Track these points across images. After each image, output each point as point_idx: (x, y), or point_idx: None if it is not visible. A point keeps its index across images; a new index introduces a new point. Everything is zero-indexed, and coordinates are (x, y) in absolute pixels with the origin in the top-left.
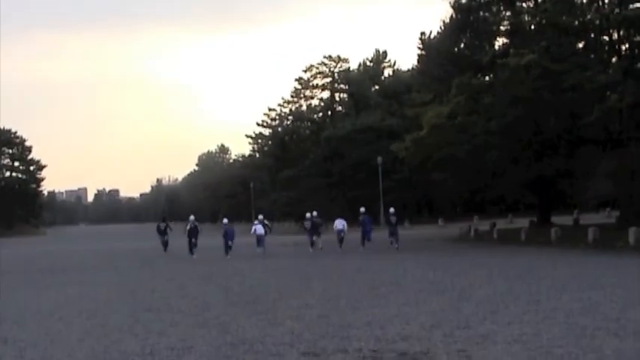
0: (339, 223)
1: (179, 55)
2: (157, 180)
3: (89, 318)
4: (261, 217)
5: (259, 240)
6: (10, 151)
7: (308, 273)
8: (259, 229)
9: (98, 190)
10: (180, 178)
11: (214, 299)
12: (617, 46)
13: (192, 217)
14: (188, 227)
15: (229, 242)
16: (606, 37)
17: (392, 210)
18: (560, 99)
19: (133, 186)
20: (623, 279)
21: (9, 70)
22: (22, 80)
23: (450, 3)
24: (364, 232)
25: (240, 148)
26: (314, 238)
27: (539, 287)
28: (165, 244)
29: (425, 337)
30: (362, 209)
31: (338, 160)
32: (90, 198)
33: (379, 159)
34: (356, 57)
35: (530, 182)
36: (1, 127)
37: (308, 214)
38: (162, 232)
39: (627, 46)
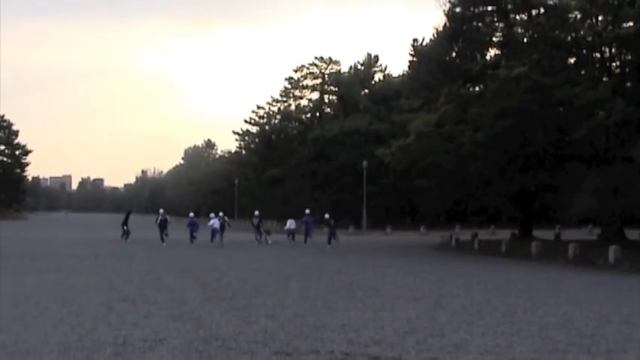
0: (290, 223)
1: (170, 49)
2: (142, 171)
3: (65, 305)
4: (221, 214)
5: (214, 232)
6: None
7: (287, 271)
8: (215, 223)
9: (82, 179)
10: (165, 171)
11: (191, 292)
12: (608, 64)
13: (161, 211)
14: (159, 219)
15: (194, 233)
16: (598, 54)
17: (327, 215)
18: (548, 113)
19: (118, 176)
20: (600, 296)
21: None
22: (12, 66)
23: (443, 11)
24: (307, 231)
25: (227, 144)
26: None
27: (517, 299)
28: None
29: (398, 342)
30: (307, 211)
31: (324, 162)
32: (74, 186)
33: (364, 163)
34: (347, 60)
35: (514, 195)
36: None
37: (256, 212)
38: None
39: (618, 64)
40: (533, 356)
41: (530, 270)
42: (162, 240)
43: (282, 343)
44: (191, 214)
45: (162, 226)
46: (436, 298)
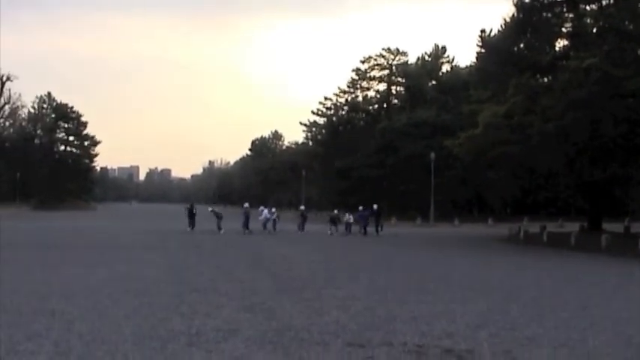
0: (264, 213)
1: (238, 41)
2: (209, 162)
3: (136, 296)
4: (274, 209)
5: (264, 223)
6: (66, 125)
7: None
8: (265, 214)
9: (150, 169)
10: (232, 162)
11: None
12: None
13: (188, 205)
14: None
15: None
16: None
17: (302, 207)
18: (618, 104)
19: (185, 167)
20: None
21: (70, 46)
22: (80, 58)
23: (512, 2)
24: (301, 224)
25: (294, 135)
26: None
27: (588, 293)
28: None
29: (470, 335)
30: (302, 207)
31: (391, 153)
32: (142, 176)
33: (432, 154)
34: (414, 51)
35: (583, 187)
36: (59, 102)
37: (246, 204)
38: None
39: None
40: (607, 351)
41: (600, 263)
42: (247, 228)
43: (354, 334)
44: (245, 205)
45: (191, 215)
46: (507, 291)
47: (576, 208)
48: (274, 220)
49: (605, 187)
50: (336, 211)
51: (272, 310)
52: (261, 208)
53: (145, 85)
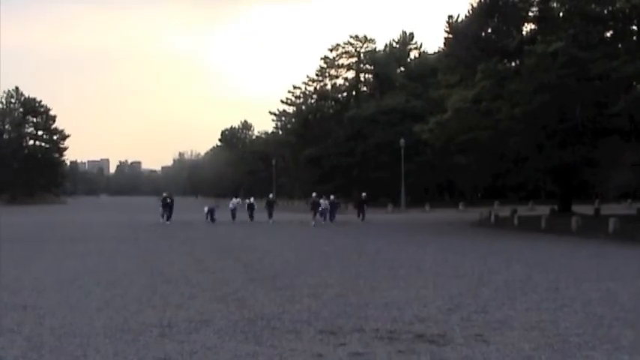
0: (233, 203)
1: (206, 30)
2: (180, 154)
3: (108, 288)
4: (252, 199)
5: (233, 213)
6: (35, 119)
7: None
8: (235, 204)
9: (120, 162)
10: (202, 153)
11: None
12: None
13: (165, 194)
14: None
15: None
16: (635, 27)
17: (271, 195)
18: (586, 87)
19: (156, 159)
20: None
21: (35, 40)
22: (46, 51)
23: None
24: (269, 213)
25: (264, 125)
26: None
27: (558, 275)
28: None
29: (442, 320)
30: (271, 195)
31: (361, 141)
32: (112, 169)
33: (402, 141)
34: (382, 38)
35: (553, 170)
36: (27, 96)
37: (270, 195)
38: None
39: None
40: (578, 331)
41: (571, 245)
42: (164, 218)
43: (326, 322)
44: (237, 199)
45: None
46: (478, 275)
47: (546, 192)
48: (252, 208)
49: (575, 170)
50: (315, 194)
51: (244, 300)
52: (235, 199)
53: (113, 78)
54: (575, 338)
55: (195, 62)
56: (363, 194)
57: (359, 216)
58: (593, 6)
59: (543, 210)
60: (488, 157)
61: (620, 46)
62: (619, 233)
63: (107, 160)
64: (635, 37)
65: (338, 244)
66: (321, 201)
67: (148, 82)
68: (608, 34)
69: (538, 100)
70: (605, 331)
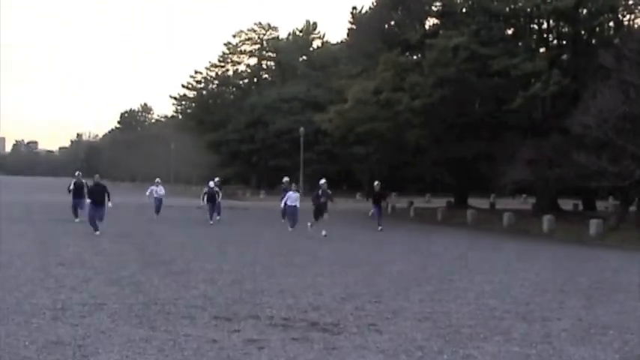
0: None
1: (106, 11)
2: (77, 135)
3: (1, 269)
4: (217, 179)
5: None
6: None
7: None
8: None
9: (17, 141)
10: (100, 135)
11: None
12: (545, 36)
13: (213, 182)
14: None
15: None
16: (535, 26)
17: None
18: (486, 83)
19: (53, 140)
20: (534, 265)
21: None
22: None
23: None
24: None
25: (164, 108)
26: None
27: (453, 267)
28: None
29: (336, 308)
30: (211, 183)
31: (261, 128)
32: (8, 148)
33: (301, 129)
34: (286, 26)
35: (450, 163)
36: None
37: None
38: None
39: (555, 36)
40: (470, 323)
41: (465, 238)
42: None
43: (221, 308)
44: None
45: (212, 200)
46: (373, 265)
47: (444, 185)
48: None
49: (472, 164)
50: (217, 180)
51: (139, 284)
52: (158, 180)
53: (9, 56)
54: (467, 329)
55: (96, 43)
56: (376, 183)
57: (378, 220)
58: (495, 3)
59: (440, 202)
60: (387, 149)
61: (520, 44)
62: (513, 227)
63: (3, 139)
64: (534, 36)
65: (236, 232)
66: (291, 193)
67: (45, 62)
68: (510, 32)
69: (438, 93)
70: (497, 323)
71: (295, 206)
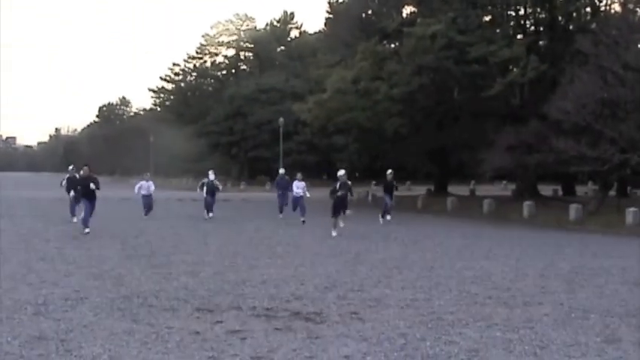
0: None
1: (82, 1)
2: (56, 129)
3: None
4: (212, 174)
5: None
6: None
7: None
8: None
9: None
10: (79, 129)
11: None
12: (522, 22)
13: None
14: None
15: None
16: (513, 13)
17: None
18: (464, 70)
19: (31, 134)
20: (515, 251)
21: None
22: None
23: None
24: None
25: (143, 101)
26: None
27: (434, 254)
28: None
29: (319, 297)
30: (211, 175)
31: (240, 119)
32: None
33: (281, 120)
34: (263, 17)
35: (430, 151)
36: None
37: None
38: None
39: (532, 22)
40: (451, 309)
41: (446, 225)
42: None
43: (203, 299)
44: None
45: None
46: (355, 254)
47: (424, 173)
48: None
49: (451, 152)
50: (211, 172)
51: (121, 277)
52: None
53: None
54: (449, 316)
55: (72, 35)
56: (389, 171)
57: (384, 214)
58: None
59: (420, 190)
60: (366, 138)
61: (497, 30)
62: (493, 214)
63: None
64: (512, 23)
65: (216, 223)
66: (296, 183)
67: (20, 56)
68: (487, 19)
69: (417, 81)
70: (479, 309)
71: (302, 196)
